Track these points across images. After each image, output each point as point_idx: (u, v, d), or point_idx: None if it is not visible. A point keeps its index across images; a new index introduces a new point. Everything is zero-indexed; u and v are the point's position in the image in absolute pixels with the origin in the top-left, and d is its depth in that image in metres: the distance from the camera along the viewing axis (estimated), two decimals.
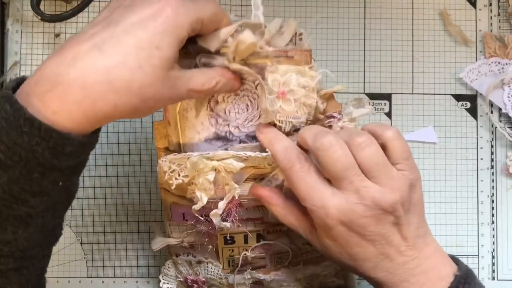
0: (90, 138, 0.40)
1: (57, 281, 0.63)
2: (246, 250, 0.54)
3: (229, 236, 0.53)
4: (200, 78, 0.43)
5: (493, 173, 0.65)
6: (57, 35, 0.64)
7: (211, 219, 0.49)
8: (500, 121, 0.65)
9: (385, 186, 0.44)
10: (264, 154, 0.48)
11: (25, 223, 0.40)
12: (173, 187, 0.49)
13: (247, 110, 0.49)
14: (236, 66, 0.45)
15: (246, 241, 0.54)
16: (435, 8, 0.66)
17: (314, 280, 0.56)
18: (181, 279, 0.57)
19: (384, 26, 0.65)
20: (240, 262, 0.54)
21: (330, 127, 0.49)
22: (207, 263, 0.55)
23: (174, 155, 0.48)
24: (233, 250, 0.54)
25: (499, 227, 0.65)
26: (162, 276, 0.59)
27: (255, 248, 0.54)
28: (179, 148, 0.49)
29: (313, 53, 0.64)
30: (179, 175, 0.47)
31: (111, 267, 0.64)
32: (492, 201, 0.65)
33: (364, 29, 0.65)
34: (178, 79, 0.41)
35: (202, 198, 0.48)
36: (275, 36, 0.48)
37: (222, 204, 0.49)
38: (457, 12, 0.66)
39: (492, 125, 0.65)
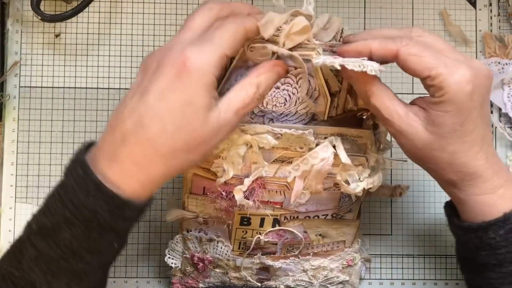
0: (146, 204, 0.45)
1: None
2: (260, 233, 0.54)
3: (246, 217, 0.53)
4: (237, 95, 0.44)
5: None
6: (57, 35, 0.64)
7: (232, 197, 0.50)
8: (500, 121, 0.65)
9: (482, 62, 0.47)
10: (300, 131, 0.49)
11: (79, 278, 0.44)
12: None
13: (285, 104, 0.50)
14: (285, 51, 0.47)
15: (261, 225, 0.54)
16: (435, 8, 0.66)
17: (319, 272, 0.56)
18: (188, 256, 0.57)
19: (384, 26, 0.65)
20: (252, 245, 0.54)
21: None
22: (217, 242, 0.55)
23: None
24: (246, 232, 0.54)
25: None
26: (168, 251, 0.58)
27: (269, 233, 0.54)
28: None
29: None
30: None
31: (111, 267, 0.64)
32: None
33: (364, 29, 0.65)
34: (220, 112, 0.43)
35: (229, 172, 0.49)
36: (321, 30, 0.49)
37: (248, 181, 0.50)
38: (457, 12, 0.66)
39: (492, 125, 0.65)
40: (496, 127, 0.64)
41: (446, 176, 0.47)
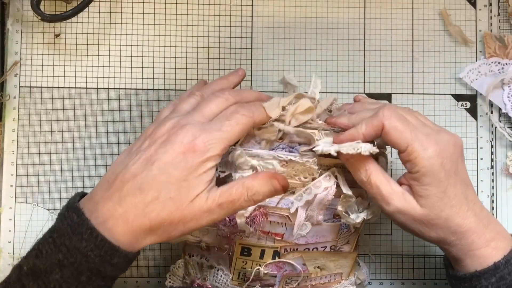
0: (133, 254, 0.47)
1: None
2: (260, 265, 0.54)
3: (247, 248, 0.54)
4: (228, 190, 0.47)
5: (493, 173, 0.65)
6: (57, 35, 0.64)
7: (235, 223, 0.51)
8: (500, 121, 0.65)
9: (449, 132, 0.51)
10: (305, 159, 0.50)
11: None
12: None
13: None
14: (291, 128, 0.50)
15: (262, 256, 0.54)
16: (435, 8, 0.66)
17: None
18: (188, 281, 0.57)
19: (384, 26, 0.65)
20: (251, 277, 0.54)
21: None
22: (218, 269, 0.55)
23: None
24: (246, 263, 0.54)
25: None
26: (169, 275, 0.59)
27: (269, 265, 0.54)
28: None
29: (313, 53, 0.65)
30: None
31: None
32: (492, 201, 0.65)
33: (364, 29, 0.65)
34: (207, 199, 0.46)
35: None
36: (324, 112, 0.53)
37: (251, 207, 0.51)
38: (457, 12, 0.66)
39: (492, 125, 0.65)
40: (496, 127, 0.64)
41: (444, 239, 0.50)
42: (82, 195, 0.49)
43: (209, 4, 0.65)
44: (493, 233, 0.50)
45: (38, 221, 0.63)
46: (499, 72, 0.64)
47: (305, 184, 0.51)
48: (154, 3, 0.65)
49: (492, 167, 0.65)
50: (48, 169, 0.63)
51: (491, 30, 0.65)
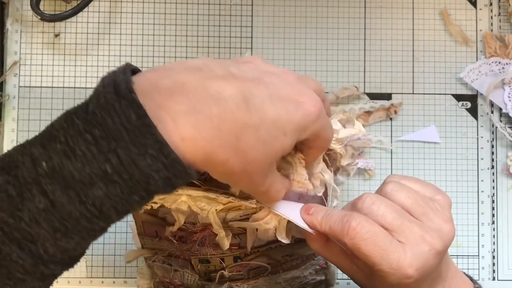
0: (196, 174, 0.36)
1: (57, 281, 0.63)
2: (223, 269, 0.51)
3: (205, 259, 0.51)
4: (278, 186, 0.41)
5: (493, 173, 0.65)
6: (57, 35, 0.64)
7: (186, 239, 0.48)
8: (501, 121, 0.65)
9: (440, 219, 0.43)
10: (237, 200, 0.44)
11: (93, 237, 0.37)
12: (141, 211, 0.46)
13: None
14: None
15: (222, 262, 0.51)
16: (435, 8, 0.66)
17: (294, 281, 0.55)
18: (158, 279, 0.56)
19: (384, 26, 0.65)
20: (217, 279, 0.52)
21: None
22: (183, 272, 0.53)
23: None
24: (209, 267, 0.52)
25: (499, 227, 0.64)
26: (139, 274, 0.57)
27: (232, 267, 0.52)
28: None
29: (313, 53, 0.65)
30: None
31: (111, 267, 0.64)
32: (493, 201, 0.65)
33: (364, 29, 0.65)
34: (271, 174, 0.39)
35: (179, 219, 0.46)
36: None
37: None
38: (458, 12, 0.66)
39: (493, 125, 0.65)
40: (496, 127, 0.64)
41: None
42: (134, 70, 0.36)
43: (209, 4, 0.65)
44: None
45: None
46: (500, 72, 0.64)
47: (248, 207, 0.46)
48: (154, 3, 0.65)
49: (492, 167, 0.65)
50: None
51: (491, 30, 0.65)
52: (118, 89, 0.33)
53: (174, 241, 0.49)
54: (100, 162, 0.33)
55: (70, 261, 0.38)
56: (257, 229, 0.47)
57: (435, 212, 0.44)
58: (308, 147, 0.42)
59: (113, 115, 0.32)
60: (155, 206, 0.45)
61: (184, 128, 0.33)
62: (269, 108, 0.36)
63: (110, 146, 0.32)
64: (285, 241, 0.46)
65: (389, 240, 0.41)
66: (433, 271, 0.43)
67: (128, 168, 0.33)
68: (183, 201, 0.45)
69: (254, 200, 0.44)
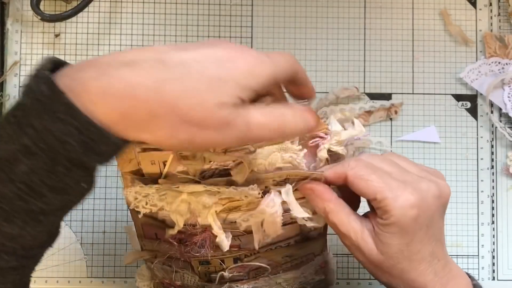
0: (123, 143, 0.36)
1: (57, 281, 0.63)
2: (223, 270, 0.51)
3: (205, 261, 0.51)
4: (262, 110, 0.38)
5: (493, 173, 0.65)
6: (57, 35, 0.64)
7: (185, 242, 0.48)
8: (500, 121, 0.65)
9: (438, 178, 0.46)
10: (239, 188, 0.44)
11: (36, 220, 0.37)
12: (140, 216, 0.46)
13: None
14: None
15: (222, 263, 0.51)
16: (435, 8, 0.66)
17: (294, 281, 0.55)
18: (157, 281, 0.56)
19: (384, 26, 0.65)
20: (217, 280, 0.52)
21: (316, 147, 0.47)
22: (183, 273, 0.53)
23: (140, 186, 0.44)
24: (209, 268, 0.52)
25: (499, 227, 0.65)
26: (138, 275, 0.56)
27: (232, 268, 0.52)
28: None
29: (313, 53, 0.65)
30: (146, 204, 0.44)
31: (111, 267, 0.64)
32: (492, 201, 0.65)
33: (364, 29, 0.65)
34: (237, 116, 0.37)
35: (178, 222, 0.46)
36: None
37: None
38: (457, 12, 0.66)
39: (492, 125, 0.65)
40: (496, 127, 0.64)
41: (395, 287, 0.47)
42: (56, 62, 0.37)
43: (209, 4, 0.65)
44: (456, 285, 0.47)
45: None
46: (499, 72, 0.64)
47: (249, 205, 0.46)
48: (154, 3, 0.65)
49: (492, 167, 0.65)
50: None
51: (491, 30, 0.65)
52: (33, 73, 0.35)
53: (174, 243, 0.49)
54: (20, 136, 0.34)
55: (24, 252, 0.39)
56: (263, 226, 0.47)
57: (431, 175, 0.46)
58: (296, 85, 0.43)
59: (29, 93, 0.35)
60: (155, 209, 0.45)
61: (94, 91, 0.34)
62: (194, 65, 0.35)
63: (27, 119, 0.34)
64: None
65: (387, 175, 0.44)
66: (433, 222, 0.45)
67: (44, 136, 0.34)
68: (184, 199, 0.45)
69: (255, 185, 0.44)
